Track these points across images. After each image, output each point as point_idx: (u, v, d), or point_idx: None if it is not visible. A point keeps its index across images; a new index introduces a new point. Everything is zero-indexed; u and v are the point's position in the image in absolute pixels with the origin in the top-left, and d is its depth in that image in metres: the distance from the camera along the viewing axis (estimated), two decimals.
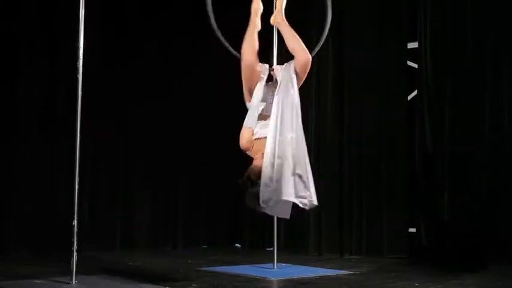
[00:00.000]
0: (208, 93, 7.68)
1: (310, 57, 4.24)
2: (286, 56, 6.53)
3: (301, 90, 7.39)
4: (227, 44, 4.59)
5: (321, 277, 5.32)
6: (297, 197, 3.90)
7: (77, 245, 4.67)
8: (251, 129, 4.14)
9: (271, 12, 4.65)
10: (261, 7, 4.41)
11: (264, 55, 4.67)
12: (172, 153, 7.50)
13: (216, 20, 4.49)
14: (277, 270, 5.67)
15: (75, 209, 4.70)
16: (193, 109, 7.59)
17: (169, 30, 7.60)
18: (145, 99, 7.33)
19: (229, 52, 4.61)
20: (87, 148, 6.40)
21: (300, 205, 3.95)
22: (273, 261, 5.77)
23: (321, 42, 4.74)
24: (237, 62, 4.41)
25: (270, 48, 5.75)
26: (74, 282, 4.57)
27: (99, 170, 7.07)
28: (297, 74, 4.17)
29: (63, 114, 6.55)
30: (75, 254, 4.62)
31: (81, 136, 4.79)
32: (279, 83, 4.18)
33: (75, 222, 4.68)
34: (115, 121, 7.15)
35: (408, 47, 6.98)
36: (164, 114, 7.42)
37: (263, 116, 4.17)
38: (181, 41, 7.64)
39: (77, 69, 4.84)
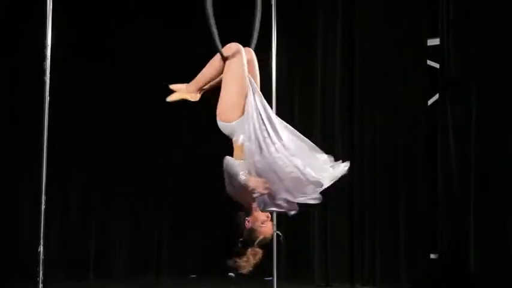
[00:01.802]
0: (195, 104, 7.63)
1: None
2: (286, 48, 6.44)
3: (302, 97, 7.46)
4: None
5: None
6: None
7: (43, 274, 4.67)
8: None
9: None
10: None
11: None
12: (156, 168, 7.47)
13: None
14: None
15: (41, 232, 4.70)
16: (178, 121, 7.54)
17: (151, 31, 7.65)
18: (124, 109, 7.37)
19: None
20: (56, 162, 6.33)
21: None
22: None
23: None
24: None
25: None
26: None
27: (70, 187, 7.10)
28: None
29: (28, 124, 6.52)
30: (41, 285, 4.63)
31: (48, 149, 4.76)
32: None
33: (41, 249, 4.62)
34: (88, 131, 7.19)
35: (428, 44, 6.98)
36: (146, 127, 7.42)
37: None
38: (164, 45, 7.65)
39: (43, 70, 4.80)
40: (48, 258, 4.98)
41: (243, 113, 3.84)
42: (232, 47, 3.91)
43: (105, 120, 7.29)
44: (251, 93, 3.86)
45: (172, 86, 4.15)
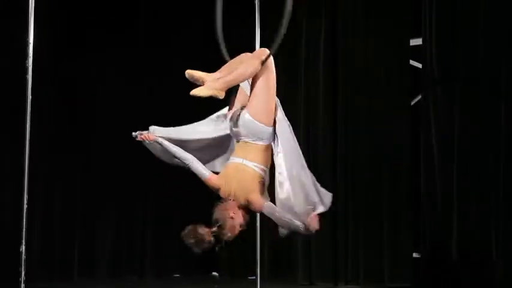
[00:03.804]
0: (181, 100, 7.58)
1: None
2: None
3: (285, 98, 7.46)
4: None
5: None
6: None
7: (25, 274, 4.64)
8: None
9: None
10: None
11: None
12: (140, 168, 7.42)
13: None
14: None
15: (24, 232, 4.66)
16: (165, 120, 7.48)
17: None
18: (108, 105, 7.31)
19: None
20: (38, 160, 6.28)
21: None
22: None
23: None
24: None
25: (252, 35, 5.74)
26: None
27: (53, 185, 7.02)
28: None
29: (9, 121, 6.46)
30: (23, 285, 4.62)
31: (31, 147, 4.72)
32: None
33: (23, 248, 4.60)
34: (71, 130, 7.10)
35: (411, 44, 7.00)
36: (130, 124, 7.32)
37: None
38: (151, 38, 7.61)
39: (26, 68, 4.77)
40: (30, 258, 4.95)
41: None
42: (266, 52, 3.98)
43: (89, 120, 7.23)
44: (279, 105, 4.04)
45: (193, 73, 3.93)
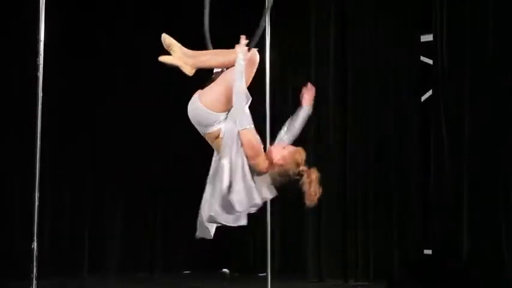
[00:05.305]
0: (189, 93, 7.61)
1: None
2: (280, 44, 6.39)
3: (295, 94, 7.44)
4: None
5: None
6: None
7: (37, 271, 4.64)
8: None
9: None
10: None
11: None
12: (149, 164, 7.45)
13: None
14: None
15: (35, 229, 4.66)
16: (172, 113, 7.52)
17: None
18: (117, 103, 7.31)
19: None
20: (48, 158, 6.32)
21: None
22: None
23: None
24: None
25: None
26: None
27: (63, 183, 7.04)
28: None
29: (20, 119, 6.50)
30: (34, 282, 4.59)
31: (41, 146, 4.74)
32: None
33: (34, 245, 4.64)
34: (81, 127, 7.13)
35: (422, 40, 7.00)
36: (138, 119, 7.37)
37: None
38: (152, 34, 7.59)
39: (36, 66, 4.78)
40: (41, 254, 4.95)
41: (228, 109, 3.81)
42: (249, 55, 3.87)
43: (99, 118, 7.25)
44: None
45: (166, 38, 3.97)
